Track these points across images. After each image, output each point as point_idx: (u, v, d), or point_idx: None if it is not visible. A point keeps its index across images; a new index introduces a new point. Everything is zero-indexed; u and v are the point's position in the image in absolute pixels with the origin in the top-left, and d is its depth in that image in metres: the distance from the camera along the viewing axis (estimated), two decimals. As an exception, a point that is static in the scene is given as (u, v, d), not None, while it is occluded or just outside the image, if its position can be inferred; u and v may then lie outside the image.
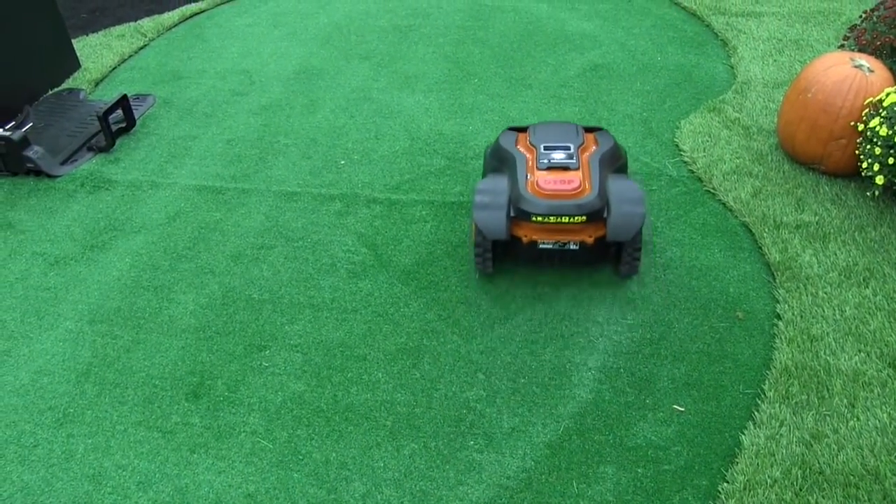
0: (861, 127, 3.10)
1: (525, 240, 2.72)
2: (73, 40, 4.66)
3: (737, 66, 4.21)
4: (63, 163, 3.74)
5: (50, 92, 4.33)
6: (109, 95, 4.26)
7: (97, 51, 4.79)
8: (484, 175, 2.89)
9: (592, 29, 4.65)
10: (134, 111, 4.01)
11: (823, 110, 3.21)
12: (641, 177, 3.41)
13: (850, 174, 3.28)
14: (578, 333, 2.70)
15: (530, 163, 2.76)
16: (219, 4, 5.39)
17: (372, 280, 2.96)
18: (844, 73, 3.20)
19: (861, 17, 3.78)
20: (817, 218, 3.11)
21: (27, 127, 3.76)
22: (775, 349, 2.59)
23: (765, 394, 2.44)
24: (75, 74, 4.54)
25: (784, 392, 2.43)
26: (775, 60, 4.23)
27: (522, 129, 2.97)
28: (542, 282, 2.90)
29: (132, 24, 5.15)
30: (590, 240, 2.69)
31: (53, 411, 2.54)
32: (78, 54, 4.64)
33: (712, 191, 3.31)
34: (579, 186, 2.64)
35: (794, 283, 2.82)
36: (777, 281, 2.85)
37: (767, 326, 2.70)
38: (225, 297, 2.93)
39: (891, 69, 3.31)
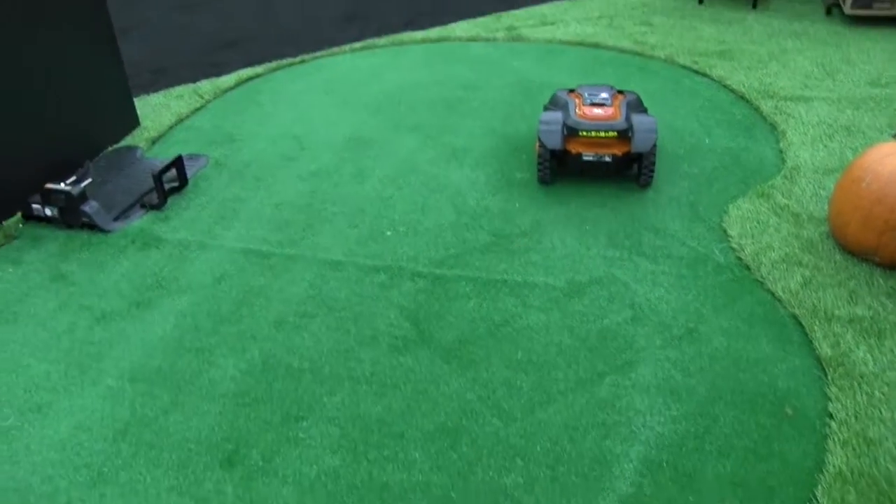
0: (919, 219, 3.05)
1: (573, 152, 3.82)
2: (134, 99, 4.79)
3: (786, 151, 4.18)
4: (116, 218, 3.81)
5: (109, 148, 4.44)
6: (165, 154, 4.35)
7: (156, 110, 4.92)
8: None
9: (640, 108, 4.67)
10: (187, 171, 4.09)
11: (878, 200, 3.16)
12: (689, 262, 3.37)
13: (908, 267, 3.21)
14: (620, 423, 2.64)
15: (578, 103, 3.94)
16: (274, 70, 5.52)
17: (413, 356, 2.94)
18: (900, 163, 3.16)
19: (917, 105, 3.76)
20: (871, 312, 3.03)
21: (86, 182, 3.85)
22: (828, 451, 2.49)
23: (818, 500, 2.33)
24: (134, 132, 4.66)
25: (839, 500, 2.32)
26: (825, 146, 4.20)
27: (572, 90, 4.14)
28: (585, 367, 2.86)
29: (191, 85, 5.29)
30: (619, 153, 3.79)
31: (89, 469, 2.53)
32: (138, 113, 4.76)
33: (760, 279, 3.26)
34: (613, 114, 3.82)
35: (847, 380, 2.73)
36: (829, 377, 2.75)
37: (819, 426, 2.60)
38: (265, 363, 2.92)
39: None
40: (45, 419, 2.72)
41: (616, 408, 2.70)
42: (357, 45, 5.93)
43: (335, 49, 5.86)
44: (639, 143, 3.74)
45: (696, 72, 5.22)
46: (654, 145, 3.75)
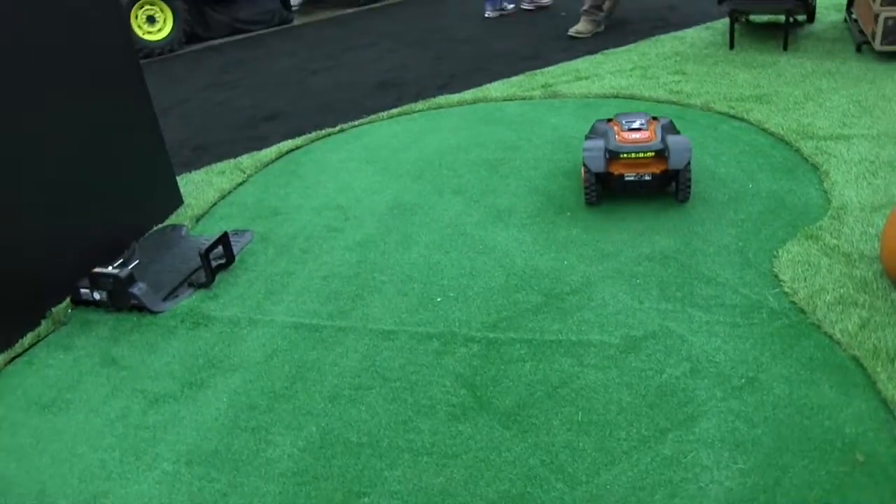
0: (975, 255, 2.98)
1: (616, 174, 4.17)
2: (177, 177, 4.90)
3: (830, 191, 4.13)
4: (165, 299, 3.86)
5: (154, 228, 4.52)
6: (209, 230, 4.42)
7: (199, 187, 5.02)
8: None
9: (681, 157, 4.65)
10: (233, 247, 4.15)
11: (931, 237, 3.11)
12: (743, 310, 3.31)
13: (968, 302, 3.13)
14: (687, 480, 2.57)
15: (617, 130, 4.29)
16: (313, 141, 5.62)
17: (472, 423, 2.91)
18: (953, 199, 3.11)
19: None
20: (935, 351, 2.95)
21: (134, 264, 3.91)
22: (908, 501, 2.40)
23: (902, 555, 2.25)
24: (178, 210, 4.75)
25: (924, 553, 2.24)
26: (870, 183, 4.14)
27: (609, 120, 4.51)
28: (647, 424, 2.80)
29: (232, 160, 5.40)
30: (657, 171, 4.14)
31: (151, 560, 2.52)
32: (181, 191, 4.87)
33: (817, 323, 3.18)
34: (649, 137, 4.18)
35: (918, 422, 2.64)
36: (898, 421, 2.67)
37: (893, 472, 2.50)
38: (323, 439, 2.91)
39: None
40: (102, 509, 2.71)
41: (682, 464, 2.63)
42: (394, 111, 6.03)
43: (373, 116, 5.97)
44: (675, 161, 4.08)
45: (734, 117, 5.21)
46: (689, 162, 4.09)
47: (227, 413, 3.09)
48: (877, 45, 5.75)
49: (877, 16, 5.63)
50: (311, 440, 2.91)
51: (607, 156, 4.16)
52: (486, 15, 8.80)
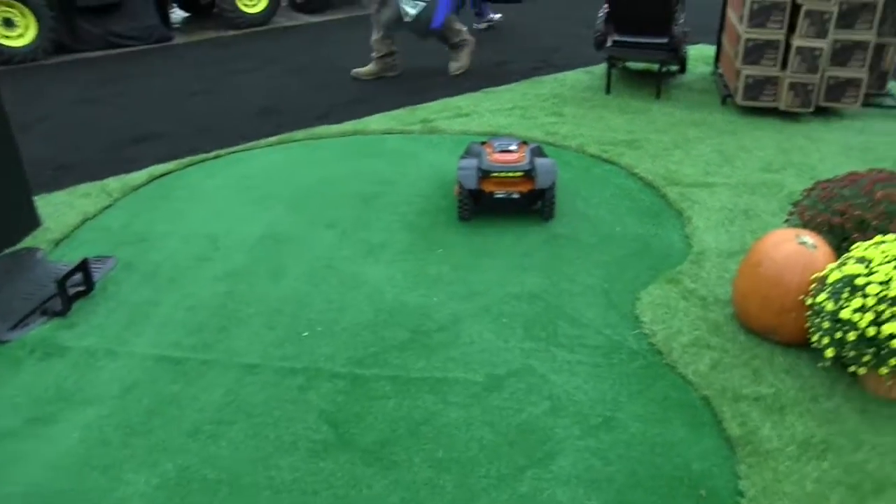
0: (810, 301, 3.19)
1: (487, 191, 4.46)
2: (35, 198, 4.65)
3: (692, 236, 4.35)
4: (13, 327, 3.64)
5: (6, 251, 4.27)
6: (70, 255, 4.23)
7: (60, 209, 4.79)
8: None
9: (553, 199, 4.79)
10: (94, 273, 3.97)
11: (775, 284, 3.32)
12: (604, 350, 3.43)
13: (804, 344, 3.33)
14: (543, 517, 2.63)
15: (489, 151, 4.59)
16: (187, 166, 5.48)
17: (333, 460, 2.88)
18: (791, 249, 3.35)
19: (803, 194, 3.98)
20: (773, 390, 3.14)
21: (-20, 290, 3.69)
22: (741, 533, 2.54)
23: (736, 589, 2.37)
24: (35, 233, 4.51)
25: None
26: (727, 230, 4.39)
27: (483, 142, 4.78)
28: (506, 462, 2.85)
29: (98, 182, 5.19)
30: (525, 190, 4.45)
31: None
32: (39, 212, 4.62)
33: (672, 364, 3.34)
34: (519, 158, 4.49)
35: (754, 457, 2.81)
36: (738, 456, 2.83)
37: (731, 505, 2.65)
38: (179, 477, 2.81)
39: (830, 245, 3.44)
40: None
41: (538, 502, 2.69)
42: (273, 139, 5.96)
43: (251, 143, 5.87)
44: (541, 181, 4.41)
45: (606, 160, 5.42)
46: (554, 183, 4.45)
47: (77, 450, 2.95)
48: (739, 100, 6.16)
49: (738, 72, 6.03)
50: (166, 477, 2.81)
51: (480, 174, 4.44)
52: (475, 27, 9.32)
